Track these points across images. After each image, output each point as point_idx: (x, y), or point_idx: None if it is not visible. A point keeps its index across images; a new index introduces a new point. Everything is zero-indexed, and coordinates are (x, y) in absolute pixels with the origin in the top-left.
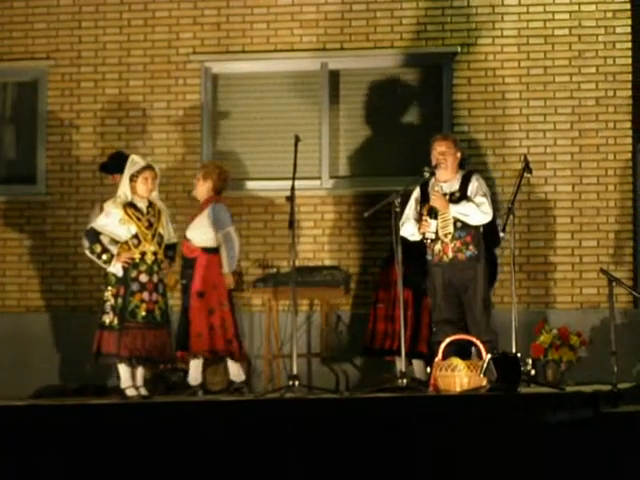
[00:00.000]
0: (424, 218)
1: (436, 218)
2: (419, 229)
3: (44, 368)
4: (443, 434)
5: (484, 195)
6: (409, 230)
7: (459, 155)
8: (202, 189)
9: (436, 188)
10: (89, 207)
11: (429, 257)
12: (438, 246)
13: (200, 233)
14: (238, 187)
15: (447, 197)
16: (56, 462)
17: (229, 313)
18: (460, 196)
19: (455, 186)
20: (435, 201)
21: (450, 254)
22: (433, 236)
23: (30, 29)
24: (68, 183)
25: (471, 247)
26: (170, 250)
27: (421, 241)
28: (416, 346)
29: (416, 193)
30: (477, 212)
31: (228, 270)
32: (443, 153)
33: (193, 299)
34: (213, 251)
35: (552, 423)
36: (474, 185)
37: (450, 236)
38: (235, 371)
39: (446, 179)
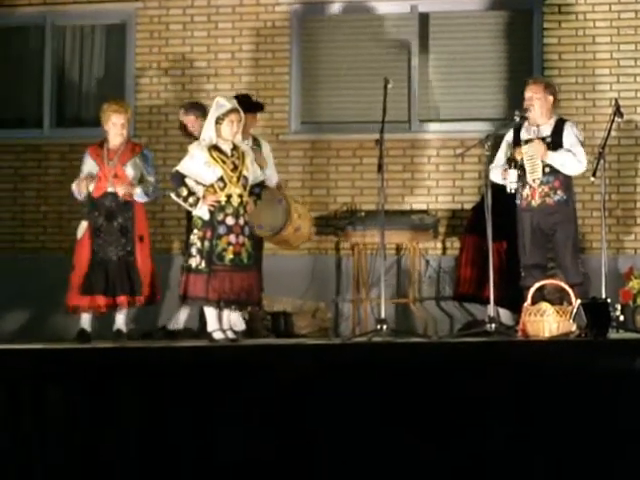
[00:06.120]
0: (504, 168)
1: (516, 167)
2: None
3: None
4: (531, 379)
5: (580, 144)
6: (496, 176)
7: (551, 99)
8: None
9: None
10: (177, 149)
11: (518, 201)
12: (527, 191)
13: None
14: (326, 130)
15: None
16: (141, 405)
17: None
18: (552, 141)
19: (547, 131)
20: (534, 147)
21: (538, 199)
22: (515, 185)
23: None
24: (157, 126)
25: (559, 192)
26: (257, 187)
27: None
28: (504, 294)
29: (509, 137)
30: (574, 161)
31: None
32: (530, 98)
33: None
34: None
35: None
36: (570, 133)
37: (538, 181)
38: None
39: (539, 123)
